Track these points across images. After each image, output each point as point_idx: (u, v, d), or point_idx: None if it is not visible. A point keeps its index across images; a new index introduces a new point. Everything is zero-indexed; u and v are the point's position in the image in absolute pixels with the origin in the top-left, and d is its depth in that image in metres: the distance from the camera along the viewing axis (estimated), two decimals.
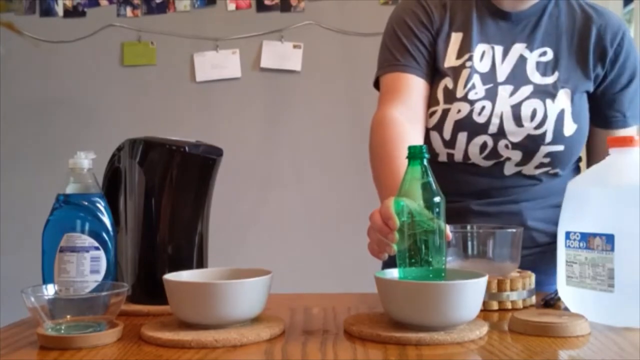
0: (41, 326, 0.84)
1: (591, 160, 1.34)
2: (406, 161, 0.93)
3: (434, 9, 1.29)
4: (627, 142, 0.96)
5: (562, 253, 0.99)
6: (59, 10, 2.77)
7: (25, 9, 2.77)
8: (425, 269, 0.89)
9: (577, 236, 0.95)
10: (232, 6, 2.73)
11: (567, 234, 0.97)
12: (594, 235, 0.93)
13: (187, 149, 1.06)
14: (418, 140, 1.20)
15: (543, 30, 1.26)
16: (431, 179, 0.91)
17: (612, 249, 0.90)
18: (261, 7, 2.72)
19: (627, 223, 0.90)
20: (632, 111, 1.29)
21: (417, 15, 1.29)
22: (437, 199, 0.90)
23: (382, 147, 1.18)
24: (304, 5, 2.71)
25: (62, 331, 0.84)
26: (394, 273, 0.93)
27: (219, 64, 2.72)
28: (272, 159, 2.77)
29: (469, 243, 1.06)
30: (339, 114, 2.74)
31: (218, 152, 1.10)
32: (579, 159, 1.34)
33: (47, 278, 0.98)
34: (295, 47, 2.71)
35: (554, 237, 1.04)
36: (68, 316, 0.85)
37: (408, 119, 1.21)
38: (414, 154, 0.92)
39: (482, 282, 0.86)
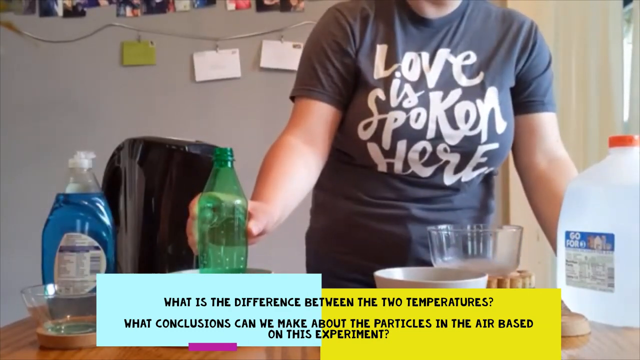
0: (41, 326, 0.84)
1: (517, 152, 1.34)
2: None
3: (354, 24, 1.27)
4: (627, 141, 0.96)
5: (562, 253, 0.99)
6: (59, 10, 2.77)
7: (24, 8, 2.77)
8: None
9: (577, 236, 0.95)
10: (231, 6, 2.73)
11: (567, 234, 0.97)
12: (594, 234, 0.93)
13: (187, 148, 1.06)
14: (309, 158, 1.22)
15: (464, 34, 1.29)
16: (236, 186, 0.93)
17: (612, 249, 0.90)
18: (261, 7, 2.72)
19: (627, 223, 0.90)
20: (549, 97, 1.33)
21: (335, 37, 1.27)
22: (238, 202, 0.91)
23: (264, 164, 1.19)
24: (304, 5, 2.71)
25: (62, 331, 0.84)
26: (394, 273, 0.93)
27: (219, 63, 2.72)
28: None
29: (469, 243, 1.06)
30: None
31: None
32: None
33: (47, 278, 0.98)
34: (295, 47, 2.71)
35: None
36: (68, 316, 0.85)
37: (305, 141, 1.23)
38: (218, 156, 0.93)
39: (482, 282, 0.86)
